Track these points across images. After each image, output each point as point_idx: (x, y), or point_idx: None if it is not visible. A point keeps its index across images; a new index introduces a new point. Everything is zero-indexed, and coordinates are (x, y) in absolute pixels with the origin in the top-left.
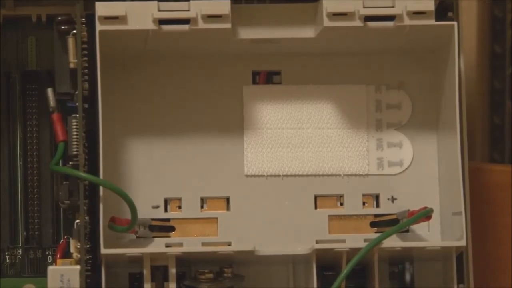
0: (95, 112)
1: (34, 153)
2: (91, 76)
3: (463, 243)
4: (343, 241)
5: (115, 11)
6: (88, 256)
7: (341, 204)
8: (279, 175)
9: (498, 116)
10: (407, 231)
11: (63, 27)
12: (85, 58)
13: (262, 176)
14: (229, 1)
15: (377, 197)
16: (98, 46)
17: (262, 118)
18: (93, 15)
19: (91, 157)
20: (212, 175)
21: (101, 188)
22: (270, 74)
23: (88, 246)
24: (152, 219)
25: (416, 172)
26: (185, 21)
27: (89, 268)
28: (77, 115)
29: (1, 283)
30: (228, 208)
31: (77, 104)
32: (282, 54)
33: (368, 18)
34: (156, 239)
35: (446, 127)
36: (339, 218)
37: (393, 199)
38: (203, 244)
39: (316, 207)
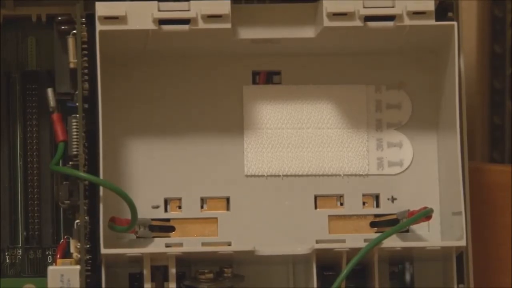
0: (95, 112)
1: (34, 153)
2: (91, 76)
3: (463, 243)
4: (343, 241)
5: (115, 11)
6: (88, 256)
7: (341, 204)
8: (279, 175)
9: (498, 116)
10: (407, 231)
11: (63, 27)
12: (85, 58)
13: (262, 176)
14: (229, 1)
15: (377, 197)
16: (98, 46)
17: (262, 118)
18: (93, 15)
19: (91, 157)
20: (212, 175)
21: (101, 188)
22: (270, 74)
23: (88, 246)
24: (152, 219)
25: (416, 172)
26: (185, 21)
27: (89, 268)
28: (77, 115)
29: (1, 283)
30: (228, 208)
31: (77, 104)
32: (282, 54)
33: (368, 18)
34: (156, 239)
35: (446, 127)
36: (339, 218)
37: (393, 199)
38: (203, 244)
39: (316, 207)
